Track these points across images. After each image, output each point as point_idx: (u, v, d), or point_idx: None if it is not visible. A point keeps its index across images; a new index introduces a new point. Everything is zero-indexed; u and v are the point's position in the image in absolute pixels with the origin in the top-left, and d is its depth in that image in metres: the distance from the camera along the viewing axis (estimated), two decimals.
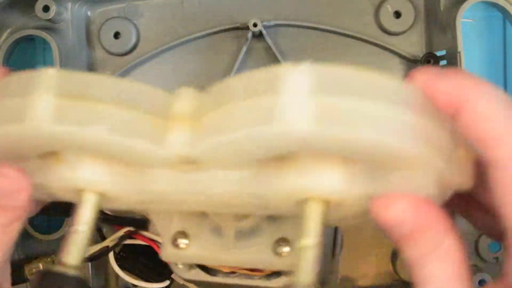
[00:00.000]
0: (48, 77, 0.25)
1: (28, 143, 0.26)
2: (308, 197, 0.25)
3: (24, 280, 0.47)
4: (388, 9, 0.50)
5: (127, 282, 0.51)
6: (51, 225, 0.52)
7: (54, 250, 0.49)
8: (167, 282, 0.48)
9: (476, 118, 0.23)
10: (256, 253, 0.33)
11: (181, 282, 0.40)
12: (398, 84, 0.23)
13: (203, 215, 0.33)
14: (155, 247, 0.47)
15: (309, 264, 0.24)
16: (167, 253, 0.34)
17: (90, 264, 0.50)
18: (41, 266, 0.48)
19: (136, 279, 0.49)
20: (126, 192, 0.28)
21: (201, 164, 0.26)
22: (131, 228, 0.47)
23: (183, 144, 0.25)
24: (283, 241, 0.32)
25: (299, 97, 0.22)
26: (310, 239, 0.24)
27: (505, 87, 0.52)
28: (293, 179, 0.25)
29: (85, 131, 0.24)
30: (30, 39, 0.52)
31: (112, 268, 0.51)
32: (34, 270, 0.48)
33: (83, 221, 0.28)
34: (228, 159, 0.25)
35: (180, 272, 0.36)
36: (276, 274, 0.35)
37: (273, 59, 0.51)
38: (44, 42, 0.52)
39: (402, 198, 0.23)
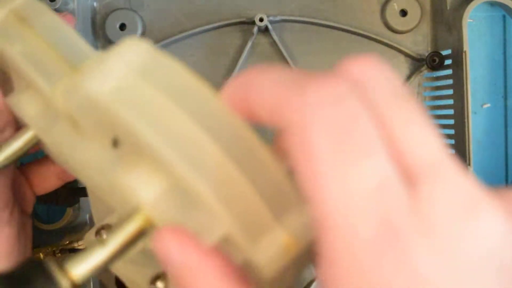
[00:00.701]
0: None
1: None
2: (136, 211, 0.22)
3: None
4: (394, 7, 0.50)
5: None
6: (52, 215, 0.52)
7: (55, 240, 0.49)
8: None
9: (259, 92, 0.19)
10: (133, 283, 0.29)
11: None
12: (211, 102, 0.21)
13: None
14: None
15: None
16: None
17: None
18: (41, 255, 0.48)
19: None
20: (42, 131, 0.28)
21: (78, 126, 0.25)
22: None
23: (63, 93, 0.24)
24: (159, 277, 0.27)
25: (120, 68, 0.21)
26: (107, 236, 0.22)
27: (505, 87, 0.52)
28: (125, 173, 0.23)
29: (7, 47, 0.27)
30: None
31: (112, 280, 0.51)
32: None
33: None
34: (89, 125, 0.24)
35: None
36: None
37: (278, 54, 0.51)
38: None
39: (170, 229, 0.20)
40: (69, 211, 0.47)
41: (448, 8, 0.47)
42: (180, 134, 0.20)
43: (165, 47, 0.52)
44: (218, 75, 0.51)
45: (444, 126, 0.49)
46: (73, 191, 0.46)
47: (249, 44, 0.50)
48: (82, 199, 0.48)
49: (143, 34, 0.52)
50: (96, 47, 0.52)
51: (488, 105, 0.52)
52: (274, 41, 0.50)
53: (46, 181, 0.36)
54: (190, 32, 0.51)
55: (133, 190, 0.22)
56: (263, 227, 0.19)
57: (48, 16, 0.28)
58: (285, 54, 0.50)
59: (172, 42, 0.51)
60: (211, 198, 0.19)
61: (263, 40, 0.51)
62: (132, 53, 0.22)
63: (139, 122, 0.20)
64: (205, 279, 0.19)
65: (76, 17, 0.49)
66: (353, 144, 0.16)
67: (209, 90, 0.21)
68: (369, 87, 0.17)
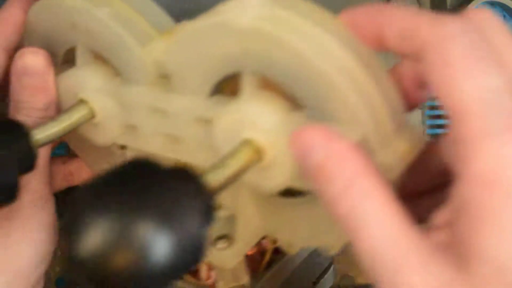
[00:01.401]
0: None
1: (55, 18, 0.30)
2: (244, 140, 0.24)
3: None
4: None
5: None
6: None
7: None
8: None
9: (396, 18, 0.22)
10: None
11: None
12: (337, 21, 0.24)
13: None
14: None
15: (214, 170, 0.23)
16: None
17: None
18: None
19: None
20: (109, 105, 0.30)
21: (171, 81, 0.28)
22: None
23: (158, 47, 0.28)
24: (223, 237, 0.32)
25: (253, 3, 0.24)
26: (217, 173, 0.23)
27: None
28: (236, 108, 0.25)
29: (94, 10, 0.28)
30: None
31: None
32: None
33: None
34: (192, 75, 0.27)
35: None
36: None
37: None
38: None
39: (315, 127, 0.22)
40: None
41: (448, 8, 0.47)
42: (329, 51, 0.22)
43: None
44: None
45: (444, 126, 0.49)
46: (73, 191, 0.46)
47: None
48: None
49: None
50: None
51: None
52: None
53: (52, 181, 0.36)
54: None
55: (246, 122, 0.25)
56: (389, 134, 0.23)
57: None
58: None
59: None
60: (358, 105, 0.22)
61: None
62: None
63: (297, 41, 0.22)
64: (350, 169, 0.21)
65: None
66: (482, 58, 0.20)
67: (328, 13, 0.25)
68: (487, 30, 0.21)
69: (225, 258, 0.30)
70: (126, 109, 0.30)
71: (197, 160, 0.28)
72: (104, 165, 0.34)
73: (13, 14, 0.32)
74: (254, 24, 0.23)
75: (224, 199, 0.30)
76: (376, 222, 0.21)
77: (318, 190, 0.22)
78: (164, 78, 0.28)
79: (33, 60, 0.30)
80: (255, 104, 0.25)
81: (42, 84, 0.30)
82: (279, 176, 0.25)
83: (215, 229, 0.31)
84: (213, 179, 0.22)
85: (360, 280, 0.54)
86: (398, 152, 0.23)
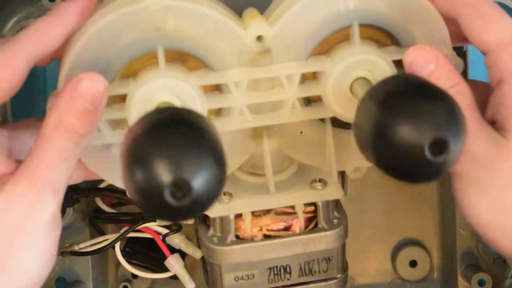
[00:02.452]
0: None
1: (139, 29, 0.32)
2: (354, 80, 0.34)
3: None
4: None
5: (126, 274, 0.51)
6: None
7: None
8: (171, 273, 0.48)
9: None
10: (296, 192, 0.39)
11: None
12: None
13: (238, 180, 0.40)
14: (157, 239, 0.47)
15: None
16: (213, 209, 0.37)
17: (90, 256, 0.50)
18: None
19: (140, 270, 0.49)
20: (199, 100, 0.33)
21: (274, 53, 0.34)
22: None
23: (261, 26, 0.33)
24: (316, 180, 0.39)
25: None
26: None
27: None
28: (344, 55, 0.34)
29: (193, 6, 0.31)
30: None
31: (112, 260, 0.51)
32: None
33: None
34: (294, 41, 0.34)
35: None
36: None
37: None
38: None
39: (425, 45, 0.32)
40: (69, 211, 0.47)
41: None
42: None
43: None
44: None
45: None
46: (73, 191, 0.46)
47: None
48: (82, 199, 0.48)
49: None
50: None
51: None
52: None
53: None
54: None
55: (361, 62, 0.34)
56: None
57: None
58: None
59: None
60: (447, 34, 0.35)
61: None
62: None
63: None
64: (450, 72, 0.32)
65: None
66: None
67: None
68: None
69: (332, 194, 0.39)
70: (215, 95, 0.35)
71: (297, 118, 0.36)
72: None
73: (54, 26, 0.32)
74: None
75: (313, 136, 0.39)
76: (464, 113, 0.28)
77: None
78: (263, 54, 0.33)
79: (95, 86, 0.30)
80: (365, 49, 0.34)
81: (94, 112, 0.30)
82: None
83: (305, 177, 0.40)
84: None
85: (360, 280, 0.54)
86: None
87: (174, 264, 0.47)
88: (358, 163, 0.40)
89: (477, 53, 0.51)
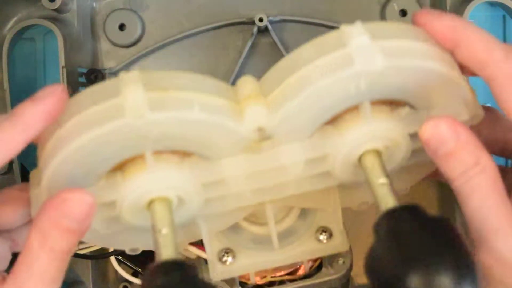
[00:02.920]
0: (132, 77, 0.28)
1: (122, 141, 0.28)
2: (364, 152, 0.31)
3: None
4: (394, 8, 0.50)
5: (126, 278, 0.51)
6: None
7: None
8: None
9: (473, 46, 0.29)
10: (301, 245, 0.37)
11: None
12: (417, 30, 0.30)
13: (240, 229, 0.38)
14: None
15: (387, 194, 0.29)
16: (217, 272, 0.37)
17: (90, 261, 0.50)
18: None
19: (135, 277, 0.49)
20: (194, 191, 0.31)
21: (275, 139, 0.30)
22: None
23: (261, 117, 0.29)
24: (321, 230, 0.38)
25: (366, 44, 0.28)
26: (382, 178, 0.30)
27: None
28: (354, 133, 0.31)
29: (181, 114, 0.28)
30: (30, 38, 0.52)
31: (112, 264, 0.51)
32: None
33: (166, 224, 0.29)
34: (299, 126, 0.30)
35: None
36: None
37: (278, 55, 0.51)
38: (44, 42, 0.53)
39: (442, 119, 0.29)
40: None
41: (448, 8, 0.47)
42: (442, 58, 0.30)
43: (165, 47, 0.52)
44: (218, 75, 0.51)
45: None
46: None
47: (249, 44, 0.50)
48: None
49: (143, 34, 0.52)
50: (96, 47, 0.52)
51: (488, 105, 0.52)
52: (274, 41, 0.50)
53: None
54: (190, 32, 0.51)
55: (367, 136, 0.31)
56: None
57: (166, 74, 0.29)
58: (285, 54, 0.50)
59: (172, 42, 0.51)
60: (469, 91, 0.32)
61: (263, 40, 0.51)
62: (357, 31, 0.29)
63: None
64: (475, 150, 0.29)
65: (76, 18, 0.49)
66: None
67: (411, 27, 0.31)
68: None
69: (338, 247, 0.38)
70: (211, 184, 0.31)
71: (302, 190, 0.33)
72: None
73: (16, 134, 0.28)
74: (385, 64, 0.28)
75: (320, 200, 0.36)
76: (487, 194, 0.28)
77: (443, 169, 0.29)
78: (263, 140, 0.30)
79: (82, 207, 0.28)
80: (375, 121, 0.31)
81: (81, 229, 0.28)
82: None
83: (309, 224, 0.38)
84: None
85: (360, 280, 0.54)
86: (470, 93, 0.32)
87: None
88: (364, 198, 0.38)
89: None
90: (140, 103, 0.27)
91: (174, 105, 0.28)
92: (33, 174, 0.32)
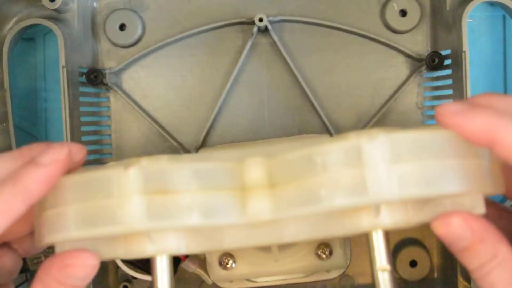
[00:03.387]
0: (132, 177, 0.27)
1: (119, 234, 0.28)
2: (371, 230, 0.29)
3: (26, 270, 0.47)
4: (394, 7, 0.50)
5: (126, 274, 0.51)
6: None
7: None
8: None
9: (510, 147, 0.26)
10: (301, 260, 0.37)
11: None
12: (442, 140, 0.27)
13: None
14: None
15: (387, 282, 0.28)
16: (216, 275, 0.37)
17: None
18: (43, 257, 0.47)
19: (137, 271, 0.49)
20: (197, 250, 0.30)
21: (279, 221, 0.29)
22: None
23: (264, 212, 0.28)
24: (323, 246, 0.37)
25: (382, 168, 0.26)
26: (385, 264, 0.28)
27: (505, 87, 0.52)
28: (363, 219, 0.29)
29: (177, 222, 0.27)
30: (30, 38, 0.52)
31: (112, 264, 0.51)
32: (35, 261, 0.47)
33: (164, 282, 0.29)
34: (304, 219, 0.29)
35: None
36: None
37: (278, 55, 0.51)
38: (44, 42, 0.53)
39: (454, 216, 0.27)
40: None
41: (447, 8, 0.47)
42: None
43: (165, 47, 0.52)
44: (218, 75, 0.51)
45: None
46: None
47: (249, 44, 0.50)
48: None
49: (143, 34, 0.52)
50: (96, 47, 0.52)
51: None
52: (274, 41, 0.50)
53: None
54: (190, 32, 0.51)
55: (374, 224, 0.29)
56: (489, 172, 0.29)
57: (167, 168, 0.28)
58: (284, 54, 0.50)
59: (172, 42, 0.51)
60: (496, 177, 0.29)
61: (263, 40, 0.51)
62: (376, 148, 0.27)
63: None
64: (493, 244, 0.27)
65: (76, 17, 0.49)
66: None
67: (434, 137, 0.28)
68: None
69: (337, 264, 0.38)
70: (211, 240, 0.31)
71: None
72: None
73: (16, 201, 0.28)
74: (398, 194, 0.26)
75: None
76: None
77: (460, 260, 0.28)
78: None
79: (86, 268, 0.28)
80: (387, 218, 0.29)
81: (82, 284, 0.29)
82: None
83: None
84: None
85: (360, 280, 0.54)
86: (495, 172, 0.29)
87: (191, 265, 0.48)
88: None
89: (477, 53, 0.51)
90: (138, 212, 0.26)
91: (173, 212, 0.27)
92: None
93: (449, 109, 0.27)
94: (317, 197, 0.26)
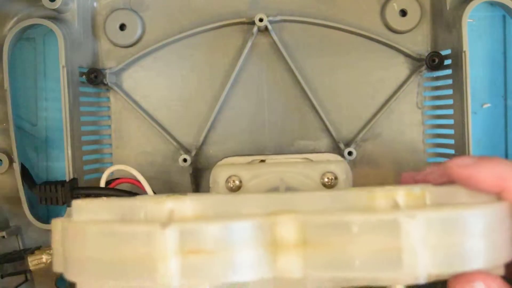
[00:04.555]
0: (169, 238, 0.27)
1: None
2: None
3: (26, 270, 0.47)
4: (394, 7, 0.50)
5: None
6: (52, 215, 0.52)
7: None
8: None
9: None
10: None
11: None
12: (476, 217, 0.28)
13: None
14: None
15: None
16: None
17: None
18: (44, 258, 0.47)
19: None
20: None
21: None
22: None
23: (295, 271, 0.28)
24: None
25: (419, 245, 0.27)
26: None
27: (505, 87, 0.52)
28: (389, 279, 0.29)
29: (210, 280, 0.27)
30: (30, 38, 0.52)
31: None
32: (36, 261, 0.47)
33: None
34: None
35: None
36: None
37: (278, 55, 0.51)
38: (44, 42, 0.53)
39: (478, 279, 0.28)
40: (69, 211, 0.47)
41: (448, 8, 0.47)
42: None
43: (165, 47, 0.52)
44: (218, 75, 0.51)
45: (444, 126, 0.49)
46: (73, 191, 0.46)
47: (249, 44, 0.50)
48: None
49: (143, 34, 0.52)
50: (96, 47, 0.52)
51: (488, 105, 0.52)
52: (274, 41, 0.50)
53: None
54: (190, 32, 0.51)
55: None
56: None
57: (201, 228, 0.28)
58: (284, 54, 0.50)
59: (172, 42, 0.51)
60: None
61: (263, 40, 0.51)
62: (414, 226, 0.27)
63: None
64: None
65: (76, 17, 0.49)
66: None
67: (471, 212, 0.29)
68: None
69: None
70: None
71: None
72: None
73: None
74: (434, 272, 0.27)
75: None
76: None
77: None
78: None
79: None
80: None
81: None
82: None
83: None
84: None
85: None
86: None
87: None
88: None
89: (477, 53, 0.51)
90: (173, 272, 0.26)
91: (206, 271, 0.27)
92: (54, 223, 0.32)
93: (460, 163, 0.30)
94: (351, 265, 0.27)
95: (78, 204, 0.30)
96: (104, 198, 0.32)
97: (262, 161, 0.43)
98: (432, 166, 0.34)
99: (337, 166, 0.41)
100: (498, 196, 0.30)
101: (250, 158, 0.44)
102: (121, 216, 0.30)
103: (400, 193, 0.29)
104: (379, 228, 0.27)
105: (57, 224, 0.31)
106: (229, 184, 0.41)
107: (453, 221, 0.27)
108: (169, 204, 0.29)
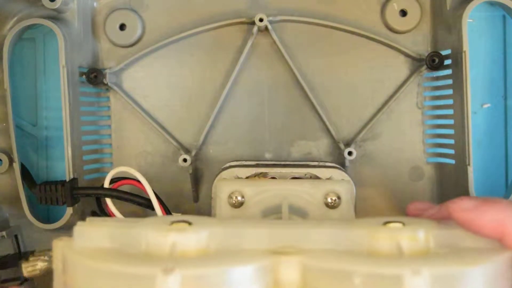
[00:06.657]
0: (171, 283, 0.26)
1: None
2: None
3: (20, 277, 0.46)
4: (394, 7, 0.50)
5: None
6: (52, 215, 0.52)
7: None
8: None
9: None
10: None
11: None
12: (479, 273, 0.28)
13: None
14: None
15: None
16: None
17: None
18: (38, 264, 0.46)
19: None
20: None
21: None
22: None
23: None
24: None
25: None
26: None
27: (505, 87, 0.52)
28: None
29: None
30: (30, 38, 0.52)
31: None
32: (30, 268, 0.46)
33: None
34: None
35: None
36: None
37: (278, 54, 0.51)
38: (44, 42, 0.53)
39: None
40: (69, 211, 0.47)
41: (448, 8, 0.47)
42: None
43: (165, 47, 0.52)
44: (218, 75, 0.51)
45: (444, 126, 0.49)
46: (73, 191, 0.46)
47: (249, 44, 0.50)
48: (82, 199, 0.48)
49: (143, 34, 0.52)
50: (96, 47, 0.52)
51: (488, 105, 0.52)
52: (274, 41, 0.50)
53: None
54: (190, 32, 0.51)
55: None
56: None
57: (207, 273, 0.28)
58: (284, 54, 0.50)
59: (172, 42, 0.51)
60: None
61: (263, 40, 0.51)
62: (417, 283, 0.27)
63: None
64: None
65: (76, 17, 0.49)
66: None
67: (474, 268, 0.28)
68: None
69: None
70: None
71: None
72: None
73: None
74: None
75: None
76: None
77: None
78: None
79: None
80: None
81: None
82: None
83: None
84: None
85: None
86: None
87: None
88: None
89: (477, 53, 0.51)
90: None
91: None
92: (55, 244, 0.31)
93: (461, 206, 0.30)
94: None
95: (80, 230, 0.30)
96: (108, 220, 0.31)
97: (265, 173, 0.43)
98: (435, 207, 0.33)
99: (341, 186, 0.40)
100: (500, 242, 0.29)
101: (253, 170, 0.43)
102: (122, 246, 0.30)
103: (404, 236, 0.29)
104: (381, 281, 0.26)
105: (57, 245, 0.31)
106: (231, 200, 0.40)
107: (457, 277, 0.27)
108: (172, 236, 0.28)
